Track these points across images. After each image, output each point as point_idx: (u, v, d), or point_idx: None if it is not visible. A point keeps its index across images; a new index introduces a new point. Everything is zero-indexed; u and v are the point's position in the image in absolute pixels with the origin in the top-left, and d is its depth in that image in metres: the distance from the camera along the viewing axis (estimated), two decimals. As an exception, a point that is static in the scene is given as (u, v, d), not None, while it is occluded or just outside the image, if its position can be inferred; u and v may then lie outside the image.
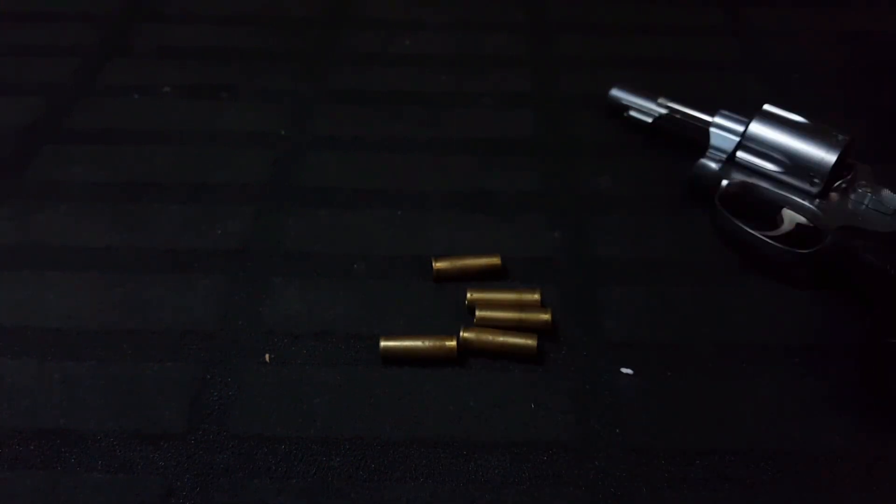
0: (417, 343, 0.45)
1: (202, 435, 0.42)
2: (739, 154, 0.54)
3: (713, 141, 0.55)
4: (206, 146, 0.61)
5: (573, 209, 0.56)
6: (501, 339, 0.45)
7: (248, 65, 0.71)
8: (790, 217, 0.51)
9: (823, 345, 0.46)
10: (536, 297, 0.48)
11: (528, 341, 0.45)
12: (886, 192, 0.49)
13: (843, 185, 0.50)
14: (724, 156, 0.54)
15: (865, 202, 0.49)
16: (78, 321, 0.48)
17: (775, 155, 0.52)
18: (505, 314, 0.47)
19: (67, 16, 0.77)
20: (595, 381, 0.45)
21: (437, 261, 0.50)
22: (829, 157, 0.50)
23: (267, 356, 0.46)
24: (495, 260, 0.50)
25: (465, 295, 0.48)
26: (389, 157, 0.60)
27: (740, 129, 0.54)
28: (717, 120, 0.55)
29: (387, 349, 0.45)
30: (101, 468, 0.40)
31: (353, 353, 0.46)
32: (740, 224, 0.51)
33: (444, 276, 0.50)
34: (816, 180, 0.50)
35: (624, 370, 0.45)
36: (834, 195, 0.50)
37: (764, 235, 0.50)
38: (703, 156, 0.55)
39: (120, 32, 0.75)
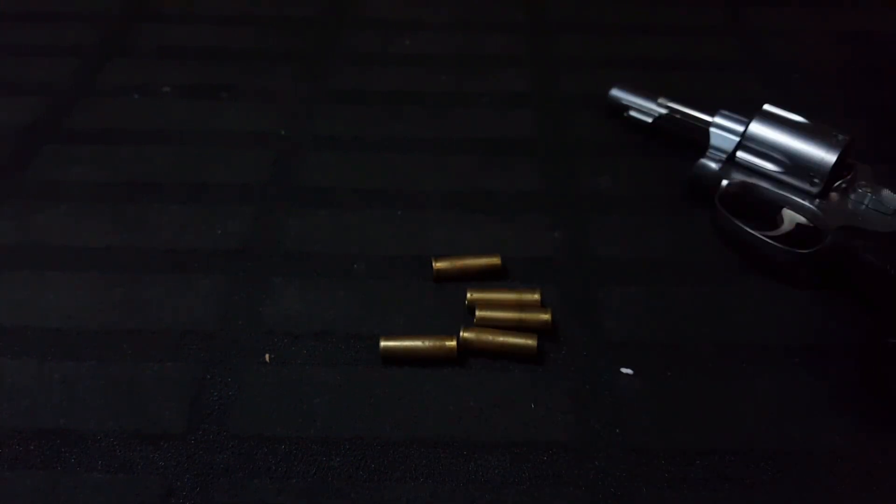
0: (417, 343, 0.45)
1: (202, 435, 0.42)
2: (739, 154, 0.54)
3: (713, 141, 0.55)
4: (206, 146, 0.61)
5: (573, 209, 0.56)
6: (501, 339, 0.45)
7: (248, 65, 0.71)
8: (790, 217, 0.51)
9: (823, 345, 0.46)
10: (536, 297, 0.48)
11: (528, 341, 0.45)
12: (886, 192, 0.49)
13: (843, 185, 0.50)
14: (724, 156, 0.54)
15: (865, 202, 0.49)
16: (78, 321, 0.48)
17: (775, 155, 0.52)
18: (505, 314, 0.47)
19: (67, 16, 0.77)
20: (595, 381, 0.45)
21: (437, 261, 0.50)
22: (829, 157, 0.50)
23: (267, 356, 0.46)
24: (495, 260, 0.50)
25: (465, 295, 0.48)
26: (389, 157, 0.60)
27: (740, 129, 0.54)
28: (717, 120, 0.55)
29: (387, 349, 0.45)
30: (101, 468, 0.40)
31: (353, 353, 0.46)
32: (740, 224, 0.51)
33: (444, 276, 0.50)
34: (816, 180, 0.50)
35: (624, 370, 0.45)
36: (834, 195, 0.50)
37: (764, 235, 0.50)
38: (703, 156, 0.55)
39: (120, 32, 0.75)
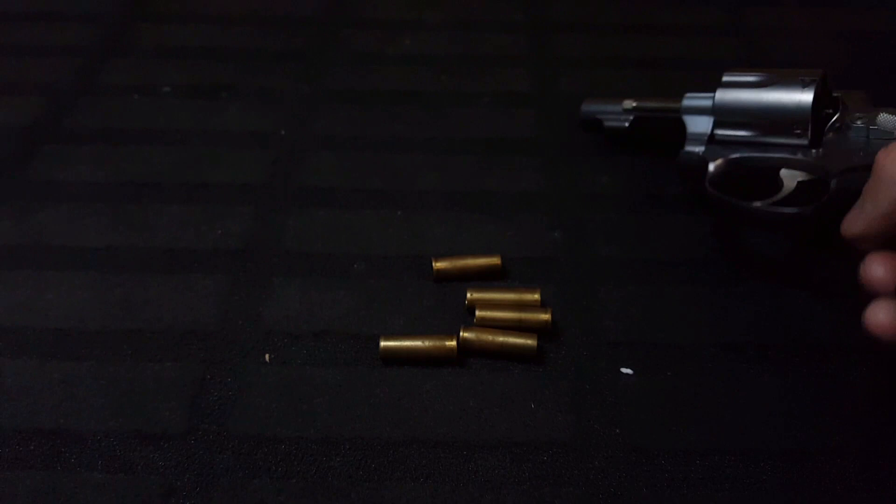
0: (417, 343, 0.45)
1: (202, 435, 0.42)
2: (718, 131, 0.51)
3: (690, 127, 0.53)
4: (206, 146, 0.61)
5: (573, 209, 0.56)
6: (501, 339, 0.45)
7: (248, 65, 0.71)
8: (790, 176, 0.48)
9: (823, 345, 0.46)
10: (536, 297, 0.48)
11: (528, 341, 0.45)
12: (883, 116, 0.45)
13: (837, 125, 0.47)
14: (705, 137, 0.52)
15: (866, 135, 0.45)
16: (78, 321, 0.48)
17: (750, 120, 0.49)
18: (505, 314, 0.47)
19: (67, 16, 0.77)
20: (595, 381, 0.45)
21: (437, 261, 0.50)
22: (804, 99, 0.47)
23: (267, 356, 0.46)
24: (495, 260, 0.50)
25: (465, 295, 0.48)
26: (389, 157, 0.60)
27: (709, 104, 0.51)
28: (686, 103, 0.53)
29: (387, 349, 0.45)
30: (101, 468, 0.40)
31: (353, 353, 0.46)
32: (736, 201, 0.48)
33: (444, 276, 0.50)
34: (799, 130, 0.47)
35: (624, 370, 0.45)
36: (830, 137, 0.47)
37: (766, 204, 0.47)
38: (685, 144, 0.53)
39: (120, 32, 0.75)
